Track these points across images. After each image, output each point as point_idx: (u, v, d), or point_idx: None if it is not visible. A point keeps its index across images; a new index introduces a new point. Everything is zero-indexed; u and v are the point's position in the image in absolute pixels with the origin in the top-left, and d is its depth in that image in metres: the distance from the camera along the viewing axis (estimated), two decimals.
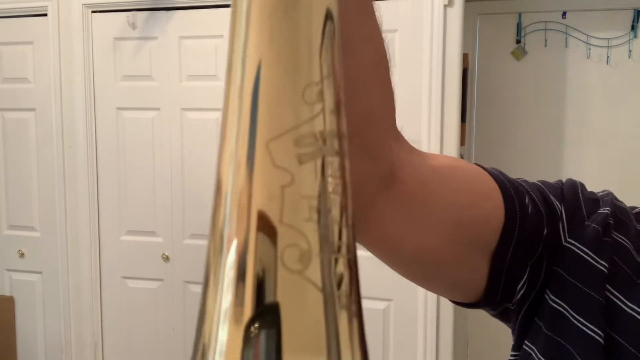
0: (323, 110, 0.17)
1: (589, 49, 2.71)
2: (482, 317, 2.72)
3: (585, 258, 0.49)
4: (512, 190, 0.50)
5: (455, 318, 2.22)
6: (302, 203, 0.16)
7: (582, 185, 0.55)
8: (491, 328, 2.84)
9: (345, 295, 0.17)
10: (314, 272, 0.16)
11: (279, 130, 0.16)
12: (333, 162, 0.17)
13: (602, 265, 0.49)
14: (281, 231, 0.16)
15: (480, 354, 2.91)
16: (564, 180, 0.55)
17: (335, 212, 0.17)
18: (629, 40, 2.66)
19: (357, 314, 0.17)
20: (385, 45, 0.41)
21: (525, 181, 0.53)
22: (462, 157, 2.46)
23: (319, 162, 0.17)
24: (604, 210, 0.51)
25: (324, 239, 0.16)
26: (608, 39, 2.68)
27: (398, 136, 0.45)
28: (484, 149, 2.86)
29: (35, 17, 2.52)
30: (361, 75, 0.39)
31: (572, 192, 0.53)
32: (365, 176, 0.42)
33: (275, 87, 0.17)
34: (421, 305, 2.18)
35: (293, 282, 0.16)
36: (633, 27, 2.65)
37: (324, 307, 0.16)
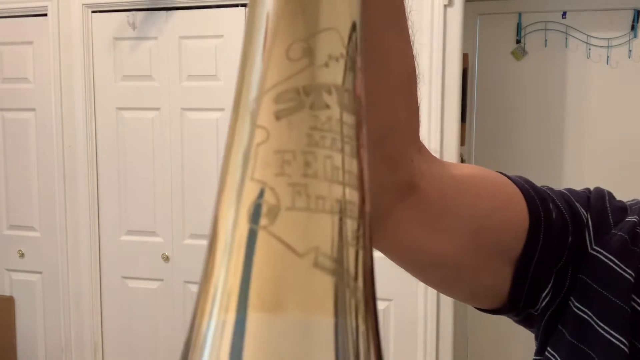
0: (310, 64, 0.16)
1: (589, 49, 2.71)
2: (482, 317, 2.71)
3: (612, 266, 0.49)
4: (536, 198, 0.49)
5: (455, 318, 2.22)
6: (274, 158, 0.15)
7: (610, 193, 0.54)
8: (491, 328, 2.84)
9: (323, 254, 0.15)
10: (281, 227, 0.15)
11: (260, 91, 0.16)
12: (319, 115, 0.16)
13: (628, 274, 0.48)
14: (249, 186, 0.16)
15: (480, 354, 2.91)
16: (591, 189, 0.55)
17: (318, 165, 0.15)
18: (629, 40, 2.66)
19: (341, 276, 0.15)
20: (414, 61, 0.42)
21: (551, 189, 0.53)
22: (461, 157, 2.46)
23: (298, 115, 0.16)
24: (632, 218, 0.51)
25: (297, 193, 0.15)
26: (608, 39, 2.68)
27: (420, 147, 0.45)
28: (484, 149, 2.86)
29: (35, 17, 2.52)
30: (390, 89, 0.40)
31: (599, 200, 0.52)
32: (384, 185, 0.43)
33: (270, 44, 0.17)
34: (421, 305, 2.18)
35: (260, 237, 0.15)
36: (633, 27, 2.66)
37: (290, 264, 0.15)
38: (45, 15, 2.48)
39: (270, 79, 0.16)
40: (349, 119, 0.16)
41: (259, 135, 0.16)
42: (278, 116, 0.16)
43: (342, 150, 0.16)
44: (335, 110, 0.16)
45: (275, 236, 0.15)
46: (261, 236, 0.15)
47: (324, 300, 0.15)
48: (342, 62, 0.16)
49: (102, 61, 2.47)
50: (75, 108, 2.49)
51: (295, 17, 0.16)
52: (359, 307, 0.15)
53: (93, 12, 2.45)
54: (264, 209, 0.15)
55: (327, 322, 0.15)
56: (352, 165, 0.16)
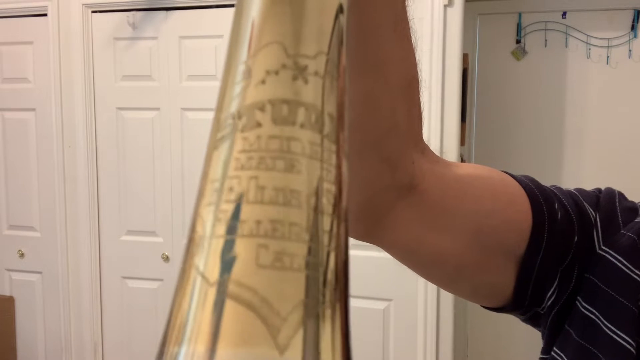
0: (248, 85, 0.16)
1: (589, 49, 2.71)
2: (482, 317, 2.70)
3: (620, 267, 0.49)
4: (540, 197, 0.49)
5: (455, 318, 2.22)
6: (209, 188, 0.15)
7: (621, 194, 0.54)
8: (491, 328, 2.84)
9: (234, 282, 0.14)
10: (200, 257, 0.15)
11: (214, 121, 0.16)
12: (248, 137, 0.15)
13: (636, 274, 0.48)
14: (194, 220, 0.16)
15: (480, 354, 2.91)
16: (602, 189, 0.55)
17: (241, 189, 0.15)
18: (629, 40, 2.66)
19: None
20: (417, 67, 0.42)
21: (560, 188, 0.53)
22: (462, 157, 2.46)
23: (230, 141, 0.15)
24: None
25: (218, 221, 0.15)
26: (608, 39, 2.68)
27: (424, 149, 0.46)
28: (484, 149, 2.86)
29: (35, 17, 2.52)
30: (389, 93, 0.40)
31: (608, 200, 0.52)
32: (384, 185, 0.43)
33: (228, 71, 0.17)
34: (421, 305, 2.18)
35: (188, 270, 0.15)
36: (633, 27, 2.65)
37: (205, 294, 0.14)
38: (45, 15, 2.48)
39: (217, 108, 0.16)
40: (286, 131, 0.15)
41: (205, 167, 0.16)
42: (216, 146, 0.16)
43: (271, 168, 0.15)
44: (266, 127, 0.15)
45: (195, 266, 0.15)
46: (188, 269, 0.15)
47: (230, 330, 0.14)
48: (284, 74, 0.16)
49: (102, 61, 2.47)
50: (75, 108, 2.49)
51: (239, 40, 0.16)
52: (277, 335, 0.14)
53: (93, 12, 2.45)
54: (195, 241, 0.15)
55: (241, 351, 0.14)
56: (286, 180, 0.15)
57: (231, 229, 0.15)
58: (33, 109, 2.57)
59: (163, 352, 0.15)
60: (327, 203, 0.15)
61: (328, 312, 0.15)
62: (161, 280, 2.50)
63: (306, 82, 0.16)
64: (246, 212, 0.15)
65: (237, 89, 0.16)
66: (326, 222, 0.15)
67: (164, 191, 2.45)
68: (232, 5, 2.33)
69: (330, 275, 0.15)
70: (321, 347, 0.14)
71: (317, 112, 0.16)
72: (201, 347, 0.14)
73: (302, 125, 0.15)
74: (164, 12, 2.39)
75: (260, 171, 0.15)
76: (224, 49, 2.33)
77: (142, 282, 2.52)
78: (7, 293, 2.68)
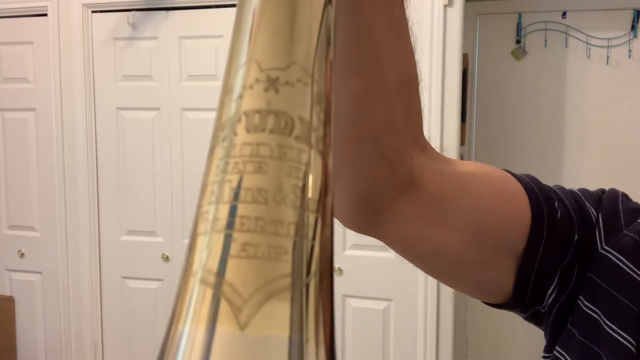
0: (230, 100, 0.18)
1: (589, 49, 2.71)
2: (482, 317, 2.70)
3: (622, 267, 0.49)
4: (539, 196, 0.50)
5: (455, 318, 2.22)
6: (200, 192, 0.18)
7: (625, 195, 0.54)
8: (491, 328, 2.84)
9: (207, 270, 0.17)
10: (191, 251, 0.17)
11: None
12: (227, 145, 0.18)
13: (638, 275, 0.49)
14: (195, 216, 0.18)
15: (480, 354, 2.91)
16: (606, 189, 0.55)
17: (220, 191, 0.17)
18: (629, 40, 2.66)
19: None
20: (415, 67, 0.42)
21: (562, 188, 0.53)
22: (462, 157, 2.46)
23: (216, 150, 0.18)
24: None
25: (202, 220, 0.17)
26: (608, 39, 2.68)
27: (424, 146, 0.46)
28: (484, 149, 2.86)
29: (35, 17, 2.52)
30: (385, 91, 0.40)
31: (611, 200, 0.53)
32: (382, 180, 0.44)
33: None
34: (421, 305, 2.18)
35: (184, 264, 0.18)
36: (633, 27, 2.66)
37: (190, 282, 0.17)
38: (45, 15, 2.48)
39: (214, 123, 0.19)
40: (256, 138, 0.18)
41: (203, 174, 0.18)
42: (208, 156, 0.18)
43: (242, 171, 0.17)
44: (240, 136, 0.18)
45: (186, 259, 0.17)
46: (185, 262, 0.17)
47: (204, 313, 0.16)
48: (257, 87, 0.18)
49: (102, 61, 2.47)
50: (75, 108, 2.49)
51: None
52: (239, 314, 0.16)
53: (93, 12, 2.45)
54: (190, 239, 0.17)
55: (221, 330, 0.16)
56: (254, 180, 0.17)
57: (209, 227, 0.17)
58: (33, 109, 2.57)
59: (168, 331, 0.17)
60: (294, 197, 0.17)
61: (297, 295, 0.16)
62: (161, 280, 2.50)
63: (277, 92, 0.18)
64: (221, 211, 0.17)
65: (224, 105, 0.18)
66: (293, 214, 0.17)
67: (164, 191, 2.45)
68: (232, 6, 2.34)
69: (298, 261, 0.17)
70: (286, 324, 0.16)
71: (287, 118, 0.18)
72: (180, 326, 0.17)
73: (271, 131, 0.18)
74: (164, 12, 2.39)
75: (233, 175, 0.17)
76: (224, 49, 2.33)
77: (142, 282, 2.52)
78: (7, 293, 2.69)
